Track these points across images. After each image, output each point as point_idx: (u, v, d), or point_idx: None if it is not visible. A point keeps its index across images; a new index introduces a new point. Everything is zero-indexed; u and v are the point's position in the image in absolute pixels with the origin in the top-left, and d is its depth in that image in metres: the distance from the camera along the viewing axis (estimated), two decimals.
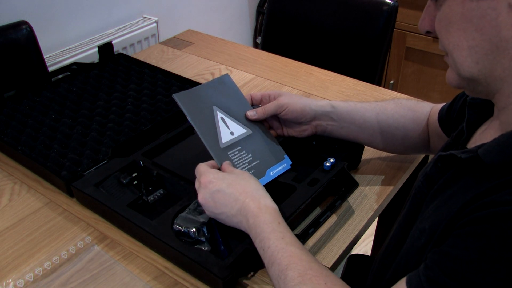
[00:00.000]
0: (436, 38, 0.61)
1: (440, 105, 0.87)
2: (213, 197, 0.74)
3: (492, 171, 0.53)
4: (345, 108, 0.91)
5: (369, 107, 0.92)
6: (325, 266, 0.65)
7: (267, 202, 0.72)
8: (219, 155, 0.83)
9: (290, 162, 0.90)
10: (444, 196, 0.59)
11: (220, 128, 0.86)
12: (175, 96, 0.84)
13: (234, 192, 0.73)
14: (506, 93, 0.56)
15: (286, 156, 0.91)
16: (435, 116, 0.87)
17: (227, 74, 0.94)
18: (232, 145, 0.85)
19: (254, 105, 0.95)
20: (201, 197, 0.75)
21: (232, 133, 0.87)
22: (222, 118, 0.87)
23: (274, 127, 0.95)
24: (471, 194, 0.54)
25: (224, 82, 0.92)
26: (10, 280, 0.75)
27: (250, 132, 0.89)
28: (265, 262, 0.67)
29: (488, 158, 0.53)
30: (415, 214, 0.66)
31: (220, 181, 0.74)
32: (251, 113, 0.91)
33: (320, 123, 0.92)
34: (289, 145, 0.97)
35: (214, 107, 0.87)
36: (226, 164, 0.80)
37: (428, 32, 0.61)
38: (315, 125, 0.92)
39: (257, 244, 0.69)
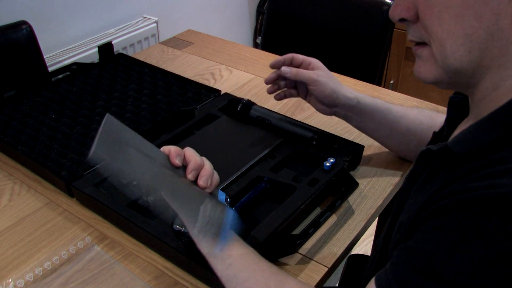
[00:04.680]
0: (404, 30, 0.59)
1: None
2: None
3: (461, 162, 0.54)
4: (369, 105, 0.91)
5: (394, 109, 0.93)
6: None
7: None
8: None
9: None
10: (423, 191, 0.60)
11: None
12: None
13: None
14: (486, 85, 0.55)
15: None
16: None
17: (108, 114, 0.67)
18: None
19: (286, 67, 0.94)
20: None
21: None
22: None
23: (299, 90, 0.95)
24: (436, 186, 0.54)
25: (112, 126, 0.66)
26: (10, 280, 0.75)
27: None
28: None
29: (456, 148, 0.54)
30: (400, 212, 0.66)
31: None
32: (286, 69, 0.91)
33: (339, 111, 0.92)
34: (289, 145, 0.97)
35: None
36: None
37: (401, 20, 0.57)
38: (334, 111, 0.93)
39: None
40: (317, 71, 0.91)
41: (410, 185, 0.65)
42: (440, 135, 0.69)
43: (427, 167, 0.62)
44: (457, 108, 0.67)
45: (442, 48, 0.54)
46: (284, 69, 0.91)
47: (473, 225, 0.47)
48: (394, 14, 0.57)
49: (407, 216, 0.59)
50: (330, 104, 0.91)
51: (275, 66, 0.95)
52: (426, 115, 0.93)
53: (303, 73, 0.90)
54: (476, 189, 0.48)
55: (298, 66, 0.93)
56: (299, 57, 0.93)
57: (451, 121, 0.68)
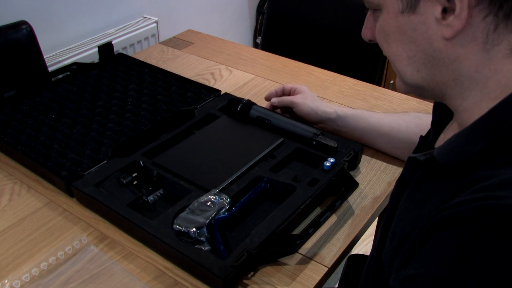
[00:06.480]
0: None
1: None
2: None
3: (450, 173, 0.53)
4: (350, 116, 0.98)
5: (376, 114, 0.99)
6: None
7: None
8: None
9: None
10: (415, 199, 0.60)
11: None
12: None
13: None
14: (451, 96, 0.57)
15: None
16: None
17: None
18: None
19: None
20: None
21: None
22: None
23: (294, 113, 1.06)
24: (429, 204, 0.54)
25: None
26: (6, 281, 0.75)
27: None
28: None
29: (442, 159, 0.54)
30: (392, 217, 0.66)
31: None
32: (274, 100, 1.06)
33: (325, 126, 1.01)
34: (289, 145, 0.97)
35: None
36: None
37: (370, 41, 0.63)
38: (321, 127, 1.01)
39: None
40: (297, 95, 1.04)
41: (400, 190, 0.65)
42: (427, 139, 0.70)
43: (415, 173, 0.62)
44: (441, 111, 0.68)
45: (396, 68, 0.60)
46: (273, 100, 1.07)
47: (465, 240, 0.45)
48: (363, 36, 0.64)
49: (401, 229, 0.58)
50: (314, 121, 1.01)
51: (269, 98, 1.10)
52: (412, 115, 0.97)
53: (284, 99, 1.05)
54: (470, 202, 0.45)
55: (288, 93, 1.07)
56: (288, 86, 1.08)
57: (437, 124, 0.68)
